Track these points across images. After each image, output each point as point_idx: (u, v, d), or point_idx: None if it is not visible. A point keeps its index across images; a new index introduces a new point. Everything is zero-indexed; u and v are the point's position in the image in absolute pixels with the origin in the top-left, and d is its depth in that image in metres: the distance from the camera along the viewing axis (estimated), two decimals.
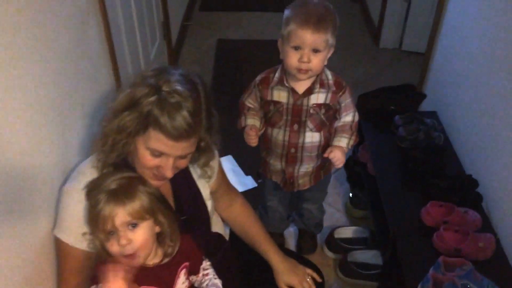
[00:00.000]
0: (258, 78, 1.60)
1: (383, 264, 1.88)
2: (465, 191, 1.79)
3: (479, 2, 2.02)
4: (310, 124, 1.59)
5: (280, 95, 1.57)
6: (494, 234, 1.64)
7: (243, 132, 1.59)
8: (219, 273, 1.29)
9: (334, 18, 1.44)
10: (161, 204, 1.14)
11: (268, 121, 1.63)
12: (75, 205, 1.15)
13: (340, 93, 1.56)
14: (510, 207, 1.66)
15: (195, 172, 1.34)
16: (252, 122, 1.59)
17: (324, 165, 1.77)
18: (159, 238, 1.15)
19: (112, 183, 1.08)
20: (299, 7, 1.45)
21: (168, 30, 3.13)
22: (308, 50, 1.43)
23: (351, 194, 2.33)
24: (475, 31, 2.05)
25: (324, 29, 1.40)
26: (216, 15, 4.19)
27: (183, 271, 1.20)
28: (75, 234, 1.15)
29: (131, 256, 1.08)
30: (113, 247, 1.07)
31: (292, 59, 1.45)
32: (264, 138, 1.68)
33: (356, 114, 1.62)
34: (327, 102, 1.56)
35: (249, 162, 2.51)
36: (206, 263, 1.28)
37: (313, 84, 1.54)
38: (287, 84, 1.54)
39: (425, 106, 2.44)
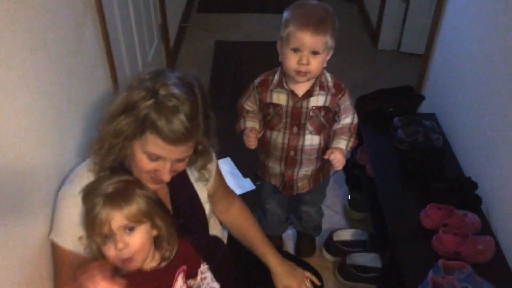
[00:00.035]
0: (257, 80, 1.60)
1: (382, 267, 1.87)
2: (464, 193, 1.78)
3: (478, 3, 2.02)
4: (309, 127, 1.58)
5: (279, 98, 1.56)
6: (494, 237, 1.64)
7: (242, 135, 1.58)
8: (217, 276, 1.28)
9: (334, 20, 1.44)
10: (159, 207, 1.13)
11: (267, 124, 1.62)
12: (72, 209, 1.14)
13: (340, 96, 1.56)
14: (510, 210, 1.65)
15: (193, 175, 1.33)
16: (251, 125, 1.58)
17: (323, 167, 1.77)
18: (157, 242, 1.15)
19: (109, 187, 1.07)
20: (298, 9, 1.45)
21: (166, 32, 3.12)
22: (307, 52, 1.42)
23: (349, 197, 2.32)
24: (474, 32, 2.04)
25: (324, 31, 1.40)
26: (214, 17, 4.19)
27: (181, 275, 1.19)
28: (72, 238, 1.14)
29: (128, 260, 1.07)
30: (110, 251, 1.06)
31: (291, 61, 1.44)
32: (263, 141, 1.67)
33: (355, 116, 1.61)
34: (327, 104, 1.56)
35: (248, 165, 2.50)
36: (204, 267, 1.27)
37: (313, 86, 1.53)
38: (286, 87, 1.53)
39: (423, 108, 2.44)
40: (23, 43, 1.08)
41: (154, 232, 1.12)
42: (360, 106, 2.22)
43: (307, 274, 1.49)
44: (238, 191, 2.37)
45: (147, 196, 1.10)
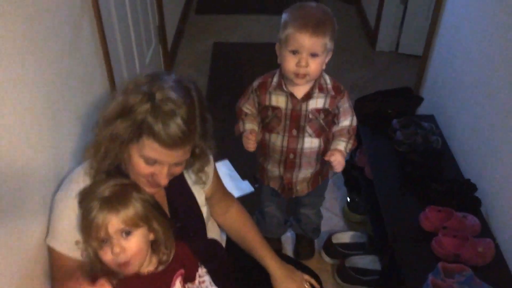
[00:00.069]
0: (256, 83, 1.59)
1: (382, 269, 1.86)
2: (463, 195, 1.77)
3: (477, 4, 2.02)
4: (309, 129, 1.57)
5: (278, 100, 1.55)
6: (493, 239, 1.63)
7: (241, 137, 1.58)
8: (216, 279, 1.27)
9: (333, 22, 1.43)
10: (156, 211, 1.13)
11: (265, 126, 1.61)
12: (68, 213, 1.13)
13: (339, 98, 1.55)
14: (509, 212, 1.64)
15: (190, 178, 1.33)
16: (251, 127, 1.57)
17: (322, 170, 1.76)
18: (154, 246, 1.14)
19: (105, 190, 1.06)
20: (297, 10, 1.44)
21: (164, 34, 3.11)
22: (306, 55, 1.41)
23: (348, 199, 2.31)
24: (473, 33, 2.04)
25: (323, 33, 1.39)
26: (212, 18, 4.18)
27: (179, 279, 1.18)
28: (68, 243, 1.13)
29: (125, 264, 1.06)
30: (107, 256, 1.05)
31: (290, 63, 1.44)
32: (261, 144, 1.66)
33: (354, 118, 1.61)
34: (326, 106, 1.55)
35: (246, 167, 2.49)
36: (202, 270, 1.26)
37: (312, 88, 1.53)
38: (285, 89, 1.52)
39: (422, 109, 2.43)
40: (18, 46, 1.07)
41: (151, 236, 1.12)
42: (358, 108, 2.22)
43: (306, 277, 1.49)
44: (237, 194, 2.36)
45: (144, 199, 1.10)
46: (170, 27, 3.35)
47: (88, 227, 1.05)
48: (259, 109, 1.60)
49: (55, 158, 1.26)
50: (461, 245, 1.57)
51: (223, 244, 1.52)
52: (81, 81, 1.49)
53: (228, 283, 1.37)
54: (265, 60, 3.29)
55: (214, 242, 1.44)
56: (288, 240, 2.18)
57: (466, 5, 2.11)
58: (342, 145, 1.57)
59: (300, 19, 1.40)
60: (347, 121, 1.59)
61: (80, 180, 1.15)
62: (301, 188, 1.76)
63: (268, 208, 1.95)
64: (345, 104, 1.57)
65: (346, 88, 1.59)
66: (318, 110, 1.55)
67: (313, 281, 1.49)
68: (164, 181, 1.13)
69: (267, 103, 1.57)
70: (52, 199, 1.19)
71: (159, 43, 3.04)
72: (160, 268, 1.14)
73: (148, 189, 1.15)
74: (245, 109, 1.62)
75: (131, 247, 1.05)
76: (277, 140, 1.61)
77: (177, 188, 1.29)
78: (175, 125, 1.04)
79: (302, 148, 1.62)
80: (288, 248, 2.15)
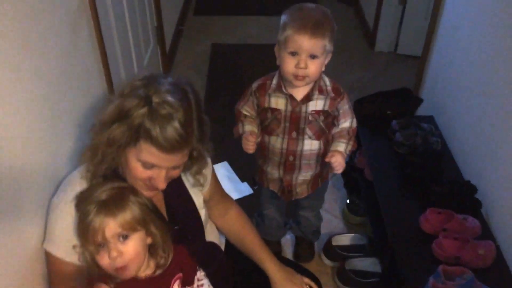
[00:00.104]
0: (255, 85, 1.58)
1: (382, 272, 1.85)
2: (463, 197, 1.76)
3: (476, 4, 2.01)
4: (309, 131, 1.56)
5: (278, 102, 1.54)
6: (494, 241, 1.62)
7: (240, 139, 1.57)
8: (214, 283, 1.26)
9: (332, 23, 1.43)
10: (153, 214, 1.12)
11: (265, 129, 1.60)
12: (65, 217, 1.12)
13: (339, 100, 1.55)
14: (510, 213, 1.63)
15: (188, 180, 1.32)
16: (250, 129, 1.57)
17: (322, 172, 1.75)
18: (151, 249, 1.13)
19: (102, 194, 1.05)
20: (296, 12, 1.43)
21: (162, 35, 3.10)
22: (305, 56, 1.40)
23: (348, 200, 2.30)
24: (472, 33, 2.03)
25: (322, 35, 1.38)
26: (211, 19, 4.17)
27: (177, 283, 1.17)
28: (65, 247, 1.12)
29: (122, 268, 1.05)
30: (104, 260, 1.04)
31: (289, 65, 1.43)
32: (260, 146, 1.65)
33: (354, 120, 1.60)
34: (326, 108, 1.54)
35: (245, 169, 2.49)
36: (200, 274, 1.25)
37: (312, 90, 1.52)
38: (285, 91, 1.52)
39: (421, 110, 2.42)
40: (15, 48, 1.06)
41: (149, 240, 1.11)
42: (357, 109, 2.21)
43: (306, 280, 1.48)
44: (236, 196, 2.36)
45: (141, 203, 1.09)
46: (168, 28, 3.34)
47: (84, 231, 1.04)
48: (258, 111, 1.59)
49: (52, 161, 1.25)
50: (462, 247, 1.56)
51: (222, 247, 1.50)
52: (78, 83, 1.48)
53: (227, 287, 1.37)
54: (264, 61, 3.29)
55: (213, 245, 1.43)
56: (287, 242, 2.16)
57: (466, 4, 2.10)
58: (342, 147, 1.56)
59: (299, 20, 1.39)
60: (347, 122, 1.59)
61: (77, 184, 1.14)
62: (301, 191, 1.75)
63: (268, 210, 1.94)
64: (344, 106, 1.57)
65: (345, 89, 1.58)
66: (318, 112, 1.54)
67: (313, 284, 1.48)
68: (162, 185, 1.13)
69: (266, 105, 1.56)
70: (49, 202, 1.18)
71: (157, 44, 3.03)
72: (158, 272, 1.13)
73: (146, 193, 1.14)
74: (244, 111, 1.61)
75: (128, 251, 1.04)
76: (276, 142, 1.60)
77: (175, 191, 1.28)
78: (173, 129, 1.03)
79: (302, 150, 1.61)
80: (288, 251, 2.14)
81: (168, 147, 1.04)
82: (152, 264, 1.13)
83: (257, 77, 1.61)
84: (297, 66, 1.41)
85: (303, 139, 1.58)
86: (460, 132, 2.06)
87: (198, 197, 1.34)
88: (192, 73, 3.41)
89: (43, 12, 1.23)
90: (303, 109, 1.53)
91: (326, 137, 1.61)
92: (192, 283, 1.21)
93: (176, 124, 1.03)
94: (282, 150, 1.61)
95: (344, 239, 2.12)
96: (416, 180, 1.88)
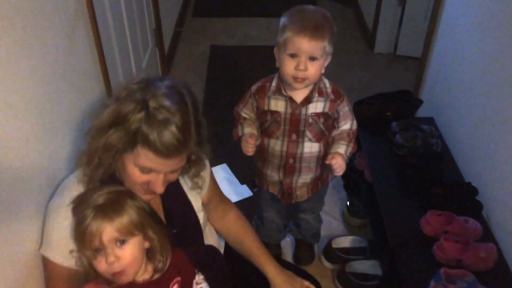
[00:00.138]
0: (254, 87, 1.57)
1: (382, 274, 1.84)
2: (464, 199, 1.75)
3: (476, 5, 2.00)
4: (309, 134, 1.55)
5: (277, 105, 1.53)
6: (495, 244, 1.61)
7: (240, 142, 1.56)
8: (214, 287, 1.25)
9: (332, 25, 1.42)
10: (151, 218, 1.11)
11: (264, 131, 1.59)
12: (61, 222, 1.11)
13: (339, 102, 1.54)
14: (511, 215, 1.62)
15: (186, 183, 1.31)
16: (250, 131, 1.56)
17: (322, 175, 1.74)
18: (149, 253, 1.12)
19: (99, 198, 1.04)
20: (296, 14, 1.43)
21: (161, 37, 3.09)
22: (305, 58, 1.40)
23: (348, 203, 2.29)
24: (472, 34, 2.02)
25: (321, 37, 1.38)
26: (210, 21, 4.16)
27: (175, 287, 1.16)
28: (62, 252, 1.11)
29: (120, 273, 1.04)
30: (101, 265, 1.03)
31: (289, 67, 1.42)
32: (260, 149, 1.64)
33: (354, 122, 1.59)
34: (326, 111, 1.53)
35: (244, 171, 2.47)
36: (199, 277, 1.25)
37: (311, 92, 1.51)
38: (285, 93, 1.51)
39: (421, 111, 2.41)
40: (12, 51, 1.06)
41: (146, 244, 1.10)
42: (357, 111, 2.19)
43: (306, 283, 1.47)
44: (235, 198, 2.35)
45: (139, 207, 1.08)
46: (166, 30, 3.33)
47: (81, 236, 1.03)
48: (258, 113, 1.58)
49: (50, 163, 1.24)
50: (463, 250, 1.54)
51: (222, 251, 1.50)
52: (76, 85, 1.47)
53: None
54: (263, 63, 3.28)
55: (212, 248, 1.42)
56: (287, 245, 2.15)
57: (466, 5, 2.10)
58: (342, 149, 1.55)
59: (299, 22, 1.38)
60: (347, 125, 1.58)
61: (73, 188, 1.13)
62: (301, 194, 1.74)
63: (267, 213, 1.93)
64: (344, 108, 1.56)
65: (344, 90, 1.57)
66: (317, 114, 1.53)
67: (313, 287, 1.47)
68: (160, 189, 1.12)
69: (266, 107, 1.55)
70: (46, 206, 1.17)
71: (155, 46, 3.02)
72: (156, 276, 1.13)
73: (144, 196, 1.14)
74: (243, 114, 1.60)
75: (125, 256, 1.03)
76: (276, 145, 1.59)
77: (173, 194, 1.27)
78: (170, 134, 1.02)
79: (302, 153, 1.59)
80: (288, 254, 2.13)
81: (165, 152, 1.03)
82: (150, 268, 1.12)
83: (257, 79, 1.60)
84: (296, 68, 1.40)
85: (303, 142, 1.57)
86: (461, 133, 2.05)
87: (196, 200, 1.34)
88: (191, 75, 3.40)
89: (40, 14, 1.22)
90: (303, 111, 1.52)
91: (326, 139, 1.60)
92: (190, 287, 1.20)
93: (174, 128, 1.02)
94: (282, 152, 1.60)
95: (344, 242, 2.11)
96: (416, 182, 1.87)
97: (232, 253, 1.51)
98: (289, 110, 1.52)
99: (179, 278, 1.16)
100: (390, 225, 1.73)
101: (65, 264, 1.12)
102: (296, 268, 1.57)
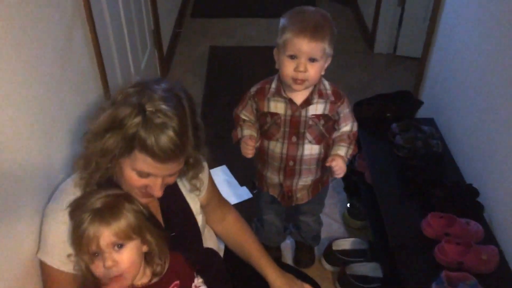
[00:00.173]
0: (253, 89, 1.56)
1: (383, 277, 1.83)
2: (465, 201, 1.74)
3: (476, 5, 1.99)
4: (309, 136, 1.54)
5: (277, 106, 1.52)
6: (497, 246, 1.59)
7: (239, 144, 1.55)
8: None
9: (332, 27, 1.41)
10: (149, 222, 1.10)
11: (264, 133, 1.58)
12: (58, 226, 1.10)
13: (339, 103, 1.53)
14: None
15: (184, 186, 1.30)
16: (249, 133, 1.55)
17: (323, 177, 1.73)
18: (147, 257, 1.12)
19: (96, 202, 1.03)
20: (295, 15, 1.42)
21: (159, 38, 3.08)
22: (305, 59, 1.38)
23: (348, 204, 2.28)
24: (472, 34, 2.01)
25: (321, 38, 1.37)
26: (209, 22, 4.16)
27: None
28: (60, 256, 1.10)
29: (118, 278, 1.03)
30: (98, 269, 1.03)
31: (288, 68, 1.41)
32: (260, 151, 1.63)
33: (355, 124, 1.58)
34: (326, 112, 1.52)
35: (244, 172, 2.46)
36: (198, 280, 1.24)
37: (311, 94, 1.50)
38: (284, 95, 1.49)
39: (421, 112, 2.40)
40: (10, 52, 1.05)
41: (145, 248, 1.09)
42: (357, 112, 2.18)
43: (307, 286, 1.46)
44: (235, 200, 2.34)
45: (136, 210, 1.07)
46: (165, 31, 3.32)
47: (79, 240, 1.02)
48: (257, 115, 1.57)
49: (47, 166, 1.23)
50: (465, 252, 1.53)
51: (221, 254, 1.48)
52: (74, 88, 1.46)
53: None
54: (263, 64, 3.26)
55: (211, 251, 1.41)
56: (287, 247, 2.14)
57: (465, 5, 2.09)
58: (343, 150, 1.54)
59: (298, 23, 1.37)
60: (347, 126, 1.57)
61: (70, 192, 1.12)
62: (301, 196, 1.72)
63: (267, 215, 1.92)
64: (345, 110, 1.55)
65: (344, 91, 1.56)
66: (318, 116, 1.52)
67: None
68: (158, 192, 1.11)
69: (265, 109, 1.54)
70: (43, 212, 1.16)
71: (154, 47, 3.01)
72: (154, 280, 1.12)
73: (142, 200, 1.13)
74: (243, 116, 1.59)
75: (123, 260, 1.03)
76: (276, 147, 1.58)
77: (171, 197, 1.26)
78: (168, 138, 1.01)
79: (302, 155, 1.58)
80: (288, 256, 2.12)
81: (163, 157, 1.02)
82: (148, 272, 1.12)
83: (256, 80, 1.59)
84: (296, 69, 1.39)
85: (303, 144, 1.56)
86: (461, 134, 2.04)
87: (195, 203, 1.33)
88: (190, 76, 3.39)
89: (37, 15, 1.21)
90: (303, 113, 1.51)
91: (326, 141, 1.59)
92: None
93: (171, 133, 1.01)
94: (282, 155, 1.59)
95: (345, 244, 2.10)
96: (417, 184, 1.85)
97: (232, 256, 1.49)
98: (289, 112, 1.51)
99: (177, 282, 1.16)
100: (390, 227, 1.72)
101: (62, 268, 1.11)
102: (296, 271, 1.56)
